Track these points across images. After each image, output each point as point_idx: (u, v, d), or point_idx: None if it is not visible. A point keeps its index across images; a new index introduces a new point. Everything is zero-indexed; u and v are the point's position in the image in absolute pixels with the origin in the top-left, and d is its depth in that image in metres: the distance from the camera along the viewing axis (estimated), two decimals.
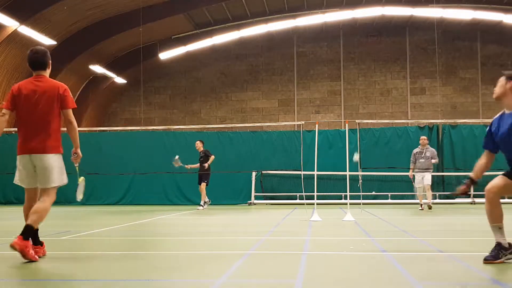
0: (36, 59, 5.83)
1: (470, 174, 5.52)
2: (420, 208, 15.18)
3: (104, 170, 18.96)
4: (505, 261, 5.17)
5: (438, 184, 19.35)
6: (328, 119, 28.45)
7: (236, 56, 29.89)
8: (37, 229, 5.81)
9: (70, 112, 5.82)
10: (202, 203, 16.36)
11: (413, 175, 15.26)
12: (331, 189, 19.18)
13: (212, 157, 16.33)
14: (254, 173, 19.60)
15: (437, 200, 18.63)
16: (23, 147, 5.67)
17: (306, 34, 29.02)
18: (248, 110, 29.82)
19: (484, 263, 5.15)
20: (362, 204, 13.57)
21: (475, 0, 25.31)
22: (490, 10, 25.46)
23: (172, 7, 24.25)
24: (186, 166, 16.69)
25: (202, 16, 26.36)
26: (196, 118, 29.81)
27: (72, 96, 5.89)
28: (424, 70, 28.90)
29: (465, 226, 10.36)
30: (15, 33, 20.63)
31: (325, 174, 18.88)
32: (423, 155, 15.06)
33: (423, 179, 14.88)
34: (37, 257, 5.52)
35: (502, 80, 5.36)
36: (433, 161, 15.03)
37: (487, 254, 5.23)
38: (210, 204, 16.88)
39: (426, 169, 14.93)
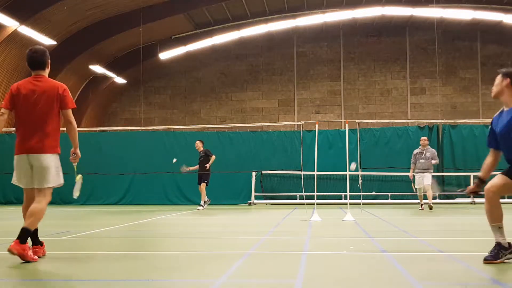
0: (35, 59, 5.80)
1: (479, 174, 5.53)
2: (420, 208, 15.17)
3: (104, 170, 18.96)
4: (505, 261, 5.17)
5: (438, 184, 19.33)
6: (328, 119, 28.45)
7: (236, 56, 29.90)
8: (37, 229, 5.80)
9: (70, 112, 5.80)
10: (202, 203, 16.36)
11: (413, 176, 15.25)
12: (331, 189, 19.17)
13: (213, 157, 16.32)
14: (254, 173, 19.60)
15: (437, 200, 18.63)
16: (21, 147, 5.65)
17: (306, 34, 29.02)
18: (248, 110, 29.83)
19: (484, 263, 5.15)
20: (362, 204, 13.57)
21: (475, 0, 25.31)
22: (490, 10, 25.46)
23: (172, 7, 24.25)
24: (187, 168, 16.70)
25: (202, 16, 26.36)
26: (196, 118, 29.81)
27: (71, 96, 5.87)
28: (424, 70, 28.91)
29: (465, 226, 10.36)
30: (15, 33, 20.64)
31: (325, 174, 18.88)
32: (423, 156, 15.06)
33: (423, 180, 14.88)
34: (36, 257, 5.51)
35: (498, 78, 5.43)
36: (433, 162, 15.01)
37: (487, 254, 5.23)
38: (210, 204, 16.88)
39: (426, 170, 14.92)
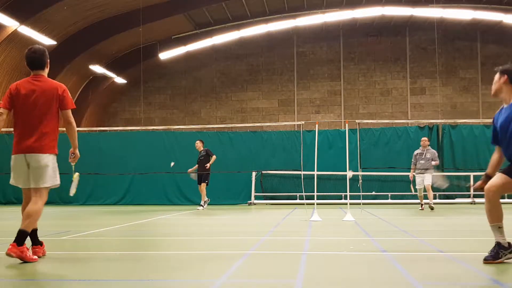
0: (35, 59, 5.77)
1: (487, 170, 5.54)
2: (421, 208, 15.17)
3: (104, 170, 18.95)
4: (505, 260, 5.17)
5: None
6: (328, 119, 28.45)
7: (236, 56, 29.90)
8: (36, 229, 5.80)
9: (69, 112, 5.78)
10: (202, 203, 16.36)
11: (413, 176, 15.24)
12: (331, 189, 19.17)
13: (214, 157, 16.32)
14: (254, 173, 19.59)
15: (437, 200, 18.62)
16: (18, 146, 5.63)
17: (306, 34, 29.02)
18: (248, 110, 29.83)
19: (484, 263, 5.15)
20: (362, 204, 13.57)
21: (475, 0, 25.31)
22: (490, 10, 25.46)
23: (172, 7, 24.24)
24: (188, 172, 16.72)
25: (202, 16, 26.36)
26: (196, 118, 29.81)
27: (71, 97, 5.86)
28: (424, 70, 28.91)
29: (465, 226, 10.36)
30: (15, 33, 20.64)
31: (325, 174, 18.88)
32: (423, 157, 15.05)
33: (424, 180, 14.87)
34: (36, 258, 5.51)
35: (496, 76, 5.51)
36: (433, 163, 14.98)
37: (487, 254, 5.23)
38: (210, 204, 16.88)
39: (426, 170, 14.91)
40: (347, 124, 13.22)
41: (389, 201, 19.22)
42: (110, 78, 28.33)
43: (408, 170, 15.96)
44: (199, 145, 16.69)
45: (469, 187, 5.17)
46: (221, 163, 17.74)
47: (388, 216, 12.44)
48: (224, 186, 19.31)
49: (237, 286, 4.31)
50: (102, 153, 19.95)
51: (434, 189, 16.08)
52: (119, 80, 28.88)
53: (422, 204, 15.22)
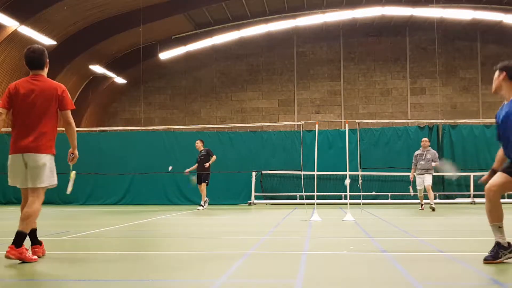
0: (34, 58, 5.75)
1: (493, 165, 5.54)
2: (421, 208, 15.17)
3: (104, 170, 18.96)
4: (505, 260, 5.17)
5: (438, 184, 19.33)
6: (328, 119, 28.45)
7: (236, 56, 29.90)
8: (35, 229, 5.79)
9: (69, 113, 5.76)
10: (202, 203, 16.35)
11: (414, 177, 15.22)
12: (331, 189, 19.17)
13: (214, 157, 16.32)
14: (254, 173, 19.59)
15: (437, 200, 18.61)
16: (16, 146, 5.60)
17: (306, 34, 29.02)
18: (248, 110, 29.83)
19: (484, 263, 5.15)
20: (362, 204, 13.57)
21: (475, 0, 25.31)
22: (490, 10, 25.46)
23: (172, 7, 24.24)
24: (185, 172, 16.70)
25: (202, 16, 26.36)
26: (196, 118, 29.81)
27: (70, 97, 5.84)
28: (424, 70, 28.91)
29: (465, 226, 10.36)
30: (15, 33, 20.64)
31: (325, 174, 18.88)
32: (423, 157, 15.04)
33: (424, 181, 14.86)
34: (36, 258, 5.51)
35: (496, 74, 5.55)
36: (433, 164, 14.92)
37: (487, 254, 5.23)
38: (210, 204, 16.88)
39: (426, 171, 14.90)
40: (347, 124, 13.22)
41: (389, 201, 19.23)
42: (110, 78, 28.33)
43: (408, 170, 15.94)
44: (199, 144, 16.69)
45: (479, 180, 5.21)
46: (221, 163, 17.75)
47: (388, 216, 12.44)
48: (224, 186, 19.31)
49: (237, 286, 4.31)
50: (102, 153, 19.96)
51: (434, 189, 16.08)
52: (119, 80, 28.88)
53: (422, 204, 15.21)
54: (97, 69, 25.86)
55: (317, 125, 12.84)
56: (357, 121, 14.67)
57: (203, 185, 16.36)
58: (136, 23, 23.79)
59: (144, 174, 19.08)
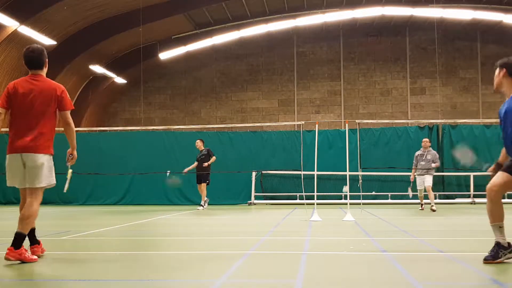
0: (33, 58, 5.72)
1: (498, 159, 5.56)
2: (421, 208, 15.17)
3: (104, 170, 18.96)
4: (505, 260, 5.17)
5: (438, 185, 19.33)
6: (328, 119, 28.45)
7: (236, 56, 29.90)
8: (34, 228, 5.78)
9: (68, 113, 5.73)
10: (202, 203, 16.35)
11: (414, 177, 15.22)
12: (331, 189, 19.16)
13: (214, 158, 16.31)
14: (254, 173, 19.59)
15: (437, 200, 18.59)
16: (14, 146, 5.56)
17: (306, 34, 29.02)
18: (248, 110, 29.83)
19: (484, 263, 5.15)
20: (362, 204, 13.56)
21: (475, 0, 25.31)
22: (490, 10, 25.46)
23: (172, 7, 24.24)
24: (184, 172, 16.69)
25: (202, 16, 26.36)
26: (196, 118, 29.81)
27: (69, 98, 5.81)
28: (424, 70, 28.91)
29: (465, 226, 10.36)
30: (15, 33, 20.64)
31: (325, 174, 18.88)
32: (424, 158, 15.03)
33: (424, 181, 14.86)
34: (36, 257, 5.50)
35: (496, 71, 5.57)
36: (433, 165, 14.87)
37: (487, 254, 5.23)
38: (209, 204, 16.88)
39: (426, 171, 14.90)
40: (347, 124, 13.22)
41: (389, 201, 19.22)
42: (110, 78, 28.33)
43: (408, 170, 15.93)
44: (199, 144, 16.68)
45: (487, 168, 5.23)
46: (221, 163, 17.75)
47: (388, 216, 12.44)
48: (224, 186, 19.31)
49: (237, 286, 4.31)
50: (102, 153, 19.96)
51: (434, 189, 16.07)
52: (119, 80, 28.88)
53: (422, 204, 15.21)
54: (97, 69, 25.86)
55: (317, 125, 12.83)
56: (357, 121, 14.67)
57: (203, 185, 16.35)
58: (136, 23, 23.80)
59: (144, 174, 19.08)
